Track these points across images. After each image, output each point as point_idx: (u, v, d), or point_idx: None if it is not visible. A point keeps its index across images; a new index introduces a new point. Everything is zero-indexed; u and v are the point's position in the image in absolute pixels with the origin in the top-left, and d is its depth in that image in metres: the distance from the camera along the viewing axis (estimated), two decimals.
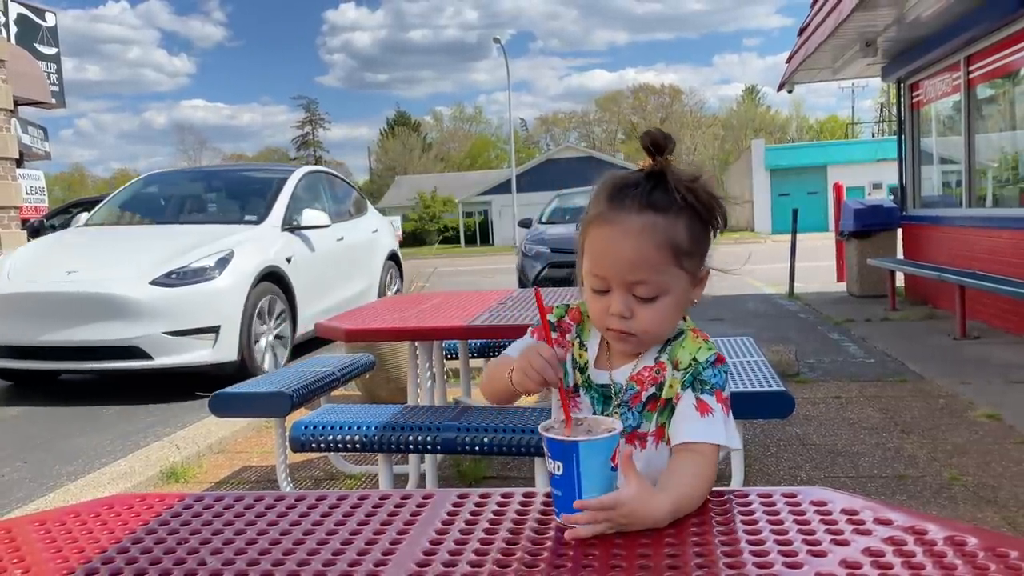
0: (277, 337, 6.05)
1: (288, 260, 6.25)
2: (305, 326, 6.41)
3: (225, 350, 5.38)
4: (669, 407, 1.13)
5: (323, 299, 6.73)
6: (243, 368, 5.45)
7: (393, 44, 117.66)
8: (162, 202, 7.38)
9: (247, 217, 6.59)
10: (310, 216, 6.71)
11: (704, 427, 1.08)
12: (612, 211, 1.12)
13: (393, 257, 8.71)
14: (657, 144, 1.11)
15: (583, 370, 1.21)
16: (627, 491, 0.92)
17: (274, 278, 6.03)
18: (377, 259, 8.21)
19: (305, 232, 6.69)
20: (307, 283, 6.47)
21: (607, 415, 1.15)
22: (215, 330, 5.32)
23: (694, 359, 1.13)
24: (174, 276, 5.30)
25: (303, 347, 6.66)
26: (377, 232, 8.41)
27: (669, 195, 1.10)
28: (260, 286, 5.77)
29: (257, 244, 6.06)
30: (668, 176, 1.11)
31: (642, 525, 0.92)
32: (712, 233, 1.15)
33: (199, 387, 5.16)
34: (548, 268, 10.30)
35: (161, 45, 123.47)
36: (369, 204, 8.85)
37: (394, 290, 8.53)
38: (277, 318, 6.03)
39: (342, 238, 7.32)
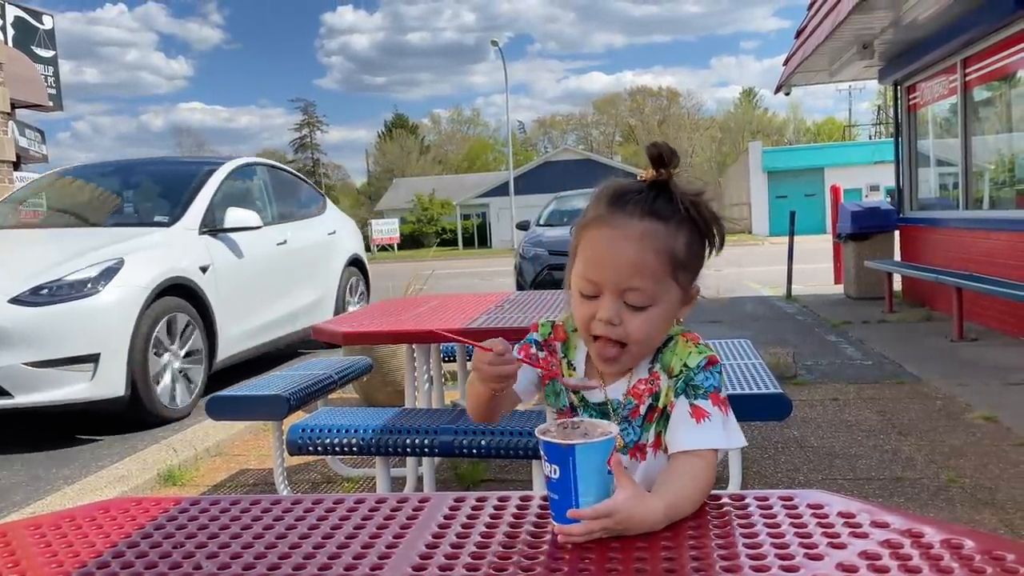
0: (190, 359, 5.03)
1: (204, 269, 5.22)
2: (232, 348, 5.49)
3: (108, 383, 4.36)
4: (665, 415, 1.13)
5: (257, 315, 5.78)
6: (135, 404, 4.52)
7: (391, 47, 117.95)
8: (66, 201, 6.27)
9: (157, 218, 5.49)
10: (236, 216, 5.61)
11: (699, 433, 1.07)
12: (613, 215, 1.11)
13: (356, 263, 7.50)
14: (664, 157, 1.11)
15: (577, 390, 1.20)
16: (620, 496, 0.92)
17: (183, 292, 4.97)
18: (334, 265, 7.05)
19: (231, 235, 5.61)
20: (232, 296, 5.45)
21: None
22: (94, 359, 4.31)
23: (685, 365, 1.12)
24: (43, 292, 4.29)
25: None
26: (335, 234, 7.21)
27: (672, 205, 1.10)
28: (160, 302, 4.72)
29: (160, 250, 5.00)
30: (672, 187, 1.11)
31: (638, 530, 0.92)
32: (709, 251, 1.15)
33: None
34: (546, 270, 10.31)
35: (159, 48, 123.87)
36: (329, 203, 7.63)
37: (356, 300, 7.46)
38: (183, 339, 4.97)
39: (284, 241, 6.30)
